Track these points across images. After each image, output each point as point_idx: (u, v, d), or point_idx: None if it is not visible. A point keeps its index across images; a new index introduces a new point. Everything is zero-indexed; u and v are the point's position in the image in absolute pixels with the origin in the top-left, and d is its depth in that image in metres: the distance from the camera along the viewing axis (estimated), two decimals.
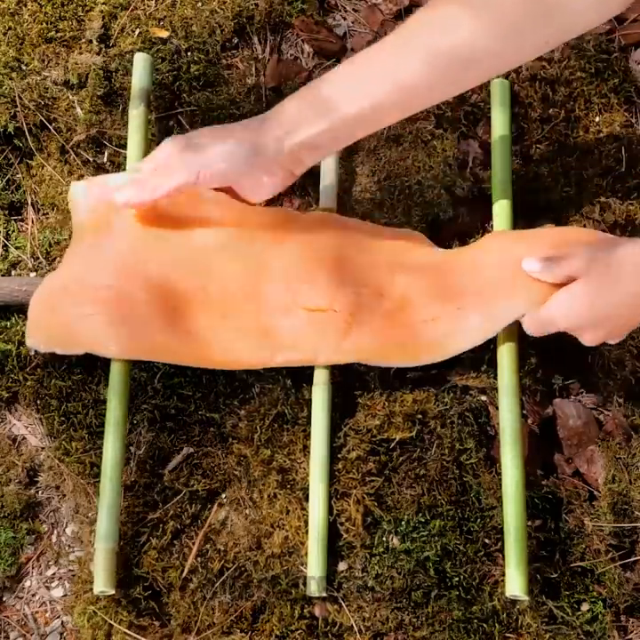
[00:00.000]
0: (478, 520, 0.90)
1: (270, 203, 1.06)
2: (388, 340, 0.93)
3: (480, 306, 0.93)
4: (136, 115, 1.02)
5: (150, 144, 1.05)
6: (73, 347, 0.92)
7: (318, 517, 0.88)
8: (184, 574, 0.89)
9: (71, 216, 1.00)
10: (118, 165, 1.06)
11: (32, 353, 0.98)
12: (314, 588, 0.86)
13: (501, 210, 0.99)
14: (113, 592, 0.86)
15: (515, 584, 0.84)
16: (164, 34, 1.12)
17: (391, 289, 0.96)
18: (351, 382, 0.95)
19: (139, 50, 1.10)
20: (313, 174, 1.05)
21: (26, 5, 1.14)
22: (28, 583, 0.93)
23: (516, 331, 0.93)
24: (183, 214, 0.98)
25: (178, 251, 0.97)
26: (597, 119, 1.06)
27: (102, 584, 0.85)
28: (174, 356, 0.93)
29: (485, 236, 0.99)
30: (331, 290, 0.94)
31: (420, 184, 1.04)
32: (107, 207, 0.96)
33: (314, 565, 0.86)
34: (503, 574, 0.86)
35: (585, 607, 0.88)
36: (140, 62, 1.05)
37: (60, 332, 0.92)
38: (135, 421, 0.94)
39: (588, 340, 0.89)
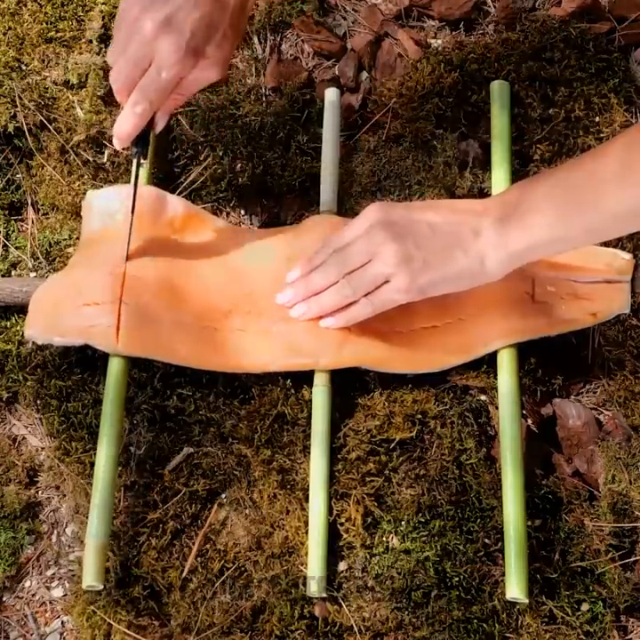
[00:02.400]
0: (478, 520, 0.89)
1: (270, 206, 1.06)
2: (387, 345, 0.93)
3: (480, 319, 0.93)
4: None
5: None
6: (72, 335, 0.92)
7: (318, 517, 0.88)
8: (184, 574, 0.89)
9: (82, 224, 1.01)
10: (118, 165, 1.07)
11: (30, 345, 0.97)
12: (314, 589, 0.86)
13: None
14: (101, 587, 0.86)
15: (515, 586, 0.84)
16: None
17: None
18: (351, 383, 0.95)
19: None
20: (313, 175, 1.05)
21: (26, 5, 1.14)
22: (27, 583, 0.93)
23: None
24: (187, 228, 1.00)
25: (184, 254, 0.98)
26: (597, 119, 1.06)
27: (91, 579, 0.85)
28: (173, 355, 0.93)
29: None
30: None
31: (419, 184, 1.04)
32: (125, 219, 0.97)
33: (314, 565, 0.86)
34: (503, 574, 0.86)
35: (585, 607, 0.88)
36: None
37: (59, 320, 0.93)
38: (135, 421, 0.94)
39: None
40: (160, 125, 0.89)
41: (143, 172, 0.99)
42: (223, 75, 0.87)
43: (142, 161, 0.92)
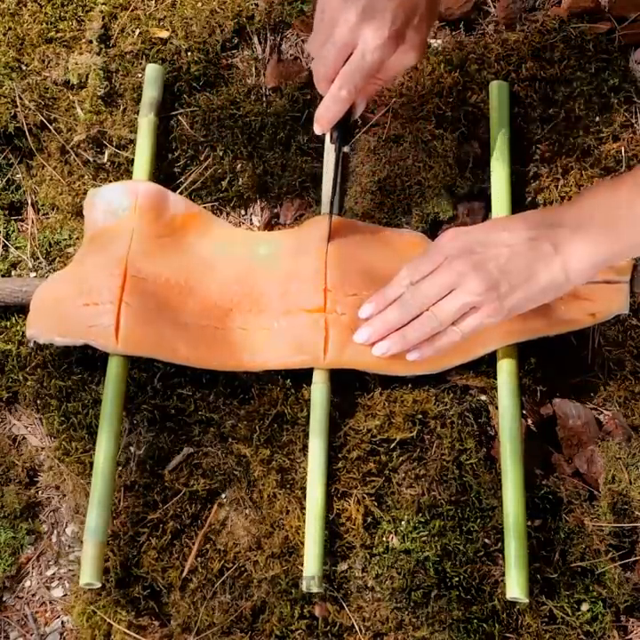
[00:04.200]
0: (478, 520, 0.89)
1: (270, 206, 1.06)
2: None
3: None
4: (146, 122, 1.04)
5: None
6: (73, 335, 0.93)
7: (316, 517, 0.88)
8: (184, 574, 0.89)
9: (85, 221, 1.01)
10: (118, 165, 1.07)
11: (31, 344, 0.98)
12: (311, 585, 0.85)
13: (500, 210, 0.99)
14: (99, 585, 0.86)
15: (515, 586, 0.84)
16: (164, 34, 1.12)
17: None
18: (351, 382, 0.95)
19: (139, 50, 1.10)
20: (313, 175, 1.05)
21: (26, 6, 1.14)
22: (27, 583, 0.93)
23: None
24: (189, 227, 1.00)
25: (184, 253, 0.98)
26: (597, 119, 1.06)
27: (88, 577, 0.85)
28: (174, 354, 0.93)
29: None
30: (331, 292, 0.94)
31: (419, 184, 1.04)
32: (128, 213, 0.97)
33: (311, 565, 0.86)
34: (503, 574, 0.86)
35: (585, 607, 0.88)
36: (152, 73, 1.07)
37: (60, 320, 0.93)
38: (135, 421, 0.94)
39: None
40: (360, 109, 0.91)
41: None
42: (421, 58, 0.89)
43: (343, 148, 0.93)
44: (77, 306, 0.93)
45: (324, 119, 0.89)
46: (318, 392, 0.92)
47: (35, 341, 0.96)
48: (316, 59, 0.87)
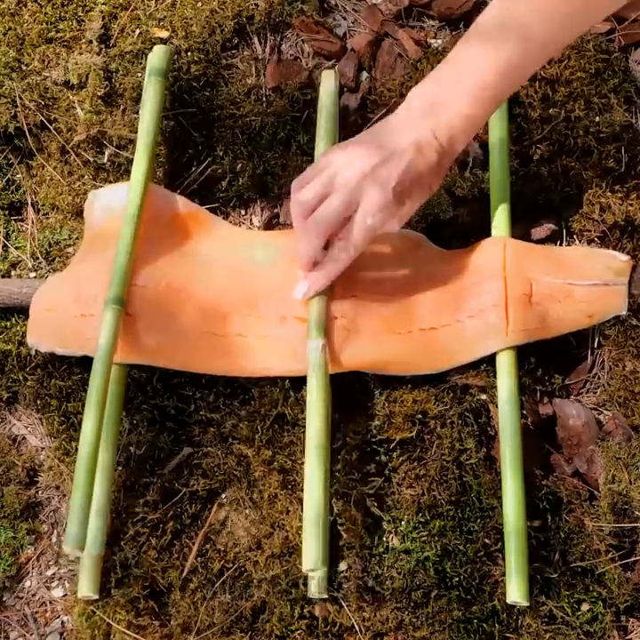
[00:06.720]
0: (478, 520, 0.89)
1: (270, 206, 1.06)
2: (386, 348, 0.93)
3: (478, 321, 0.93)
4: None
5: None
6: (72, 346, 0.93)
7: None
8: (184, 574, 0.89)
9: (85, 224, 1.01)
10: (118, 166, 1.07)
11: (33, 352, 0.98)
12: (313, 589, 0.86)
13: (500, 210, 0.99)
14: (96, 597, 0.86)
15: (515, 590, 0.84)
16: (164, 34, 1.12)
17: (391, 293, 0.96)
18: (351, 382, 0.95)
19: (139, 50, 1.10)
20: None
21: (26, 6, 1.14)
22: (28, 583, 0.93)
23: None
24: (188, 228, 1.00)
25: (184, 256, 0.98)
26: (597, 119, 1.06)
27: (86, 590, 0.86)
28: (172, 361, 0.93)
29: (487, 241, 0.98)
30: (331, 294, 0.94)
31: None
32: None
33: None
34: (503, 574, 0.86)
35: (585, 607, 0.88)
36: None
37: (58, 330, 0.93)
38: (135, 421, 0.94)
39: None
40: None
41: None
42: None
43: None
44: (75, 317, 0.93)
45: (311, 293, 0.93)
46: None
47: (36, 349, 0.97)
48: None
